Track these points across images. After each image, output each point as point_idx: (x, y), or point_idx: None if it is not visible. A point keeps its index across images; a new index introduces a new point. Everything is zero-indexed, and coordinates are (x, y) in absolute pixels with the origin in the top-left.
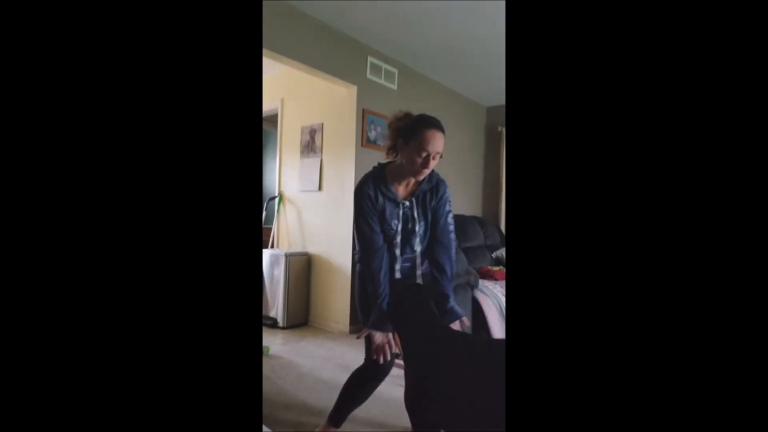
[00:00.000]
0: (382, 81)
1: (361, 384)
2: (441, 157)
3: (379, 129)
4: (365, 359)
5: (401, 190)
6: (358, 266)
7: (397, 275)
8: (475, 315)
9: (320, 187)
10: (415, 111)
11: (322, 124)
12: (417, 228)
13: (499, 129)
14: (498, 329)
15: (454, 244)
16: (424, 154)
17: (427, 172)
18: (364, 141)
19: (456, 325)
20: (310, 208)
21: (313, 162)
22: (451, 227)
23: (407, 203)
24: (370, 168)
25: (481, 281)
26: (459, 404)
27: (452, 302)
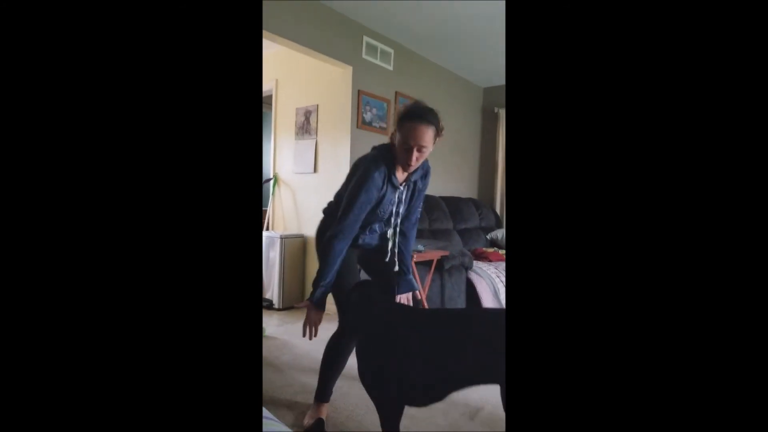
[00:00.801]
0: (377, 61)
1: (337, 352)
2: (429, 147)
3: (374, 110)
4: (339, 324)
5: (399, 175)
6: (320, 233)
7: (364, 241)
8: (469, 296)
9: (315, 169)
10: (411, 92)
11: (317, 105)
12: (401, 210)
13: (496, 110)
14: None
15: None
16: (406, 147)
17: (413, 165)
18: (360, 122)
19: (407, 298)
20: (305, 190)
21: (308, 144)
22: (421, 209)
23: (401, 188)
24: (365, 150)
25: (475, 263)
26: (414, 376)
27: (410, 275)
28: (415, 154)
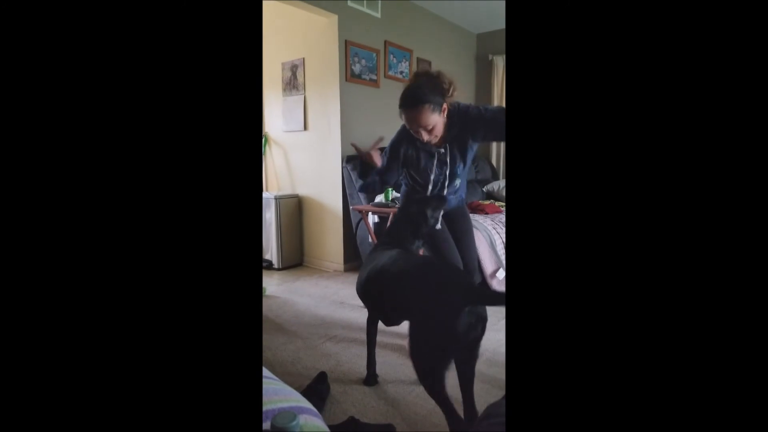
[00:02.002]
0: (364, 8)
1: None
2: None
3: (363, 62)
4: None
5: (434, 140)
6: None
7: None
8: None
9: (306, 127)
10: (401, 41)
11: (303, 58)
12: (457, 170)
13: (490, 57)
14: (489, 262)
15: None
16: (414, 128)
17: (430, 141)
18: (349, 75)
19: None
20: (296, 148)
21: (296, 100)
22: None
23: (442, 150)
24: (356, 105)
25: (472, 215)
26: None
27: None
28: (423, 133)
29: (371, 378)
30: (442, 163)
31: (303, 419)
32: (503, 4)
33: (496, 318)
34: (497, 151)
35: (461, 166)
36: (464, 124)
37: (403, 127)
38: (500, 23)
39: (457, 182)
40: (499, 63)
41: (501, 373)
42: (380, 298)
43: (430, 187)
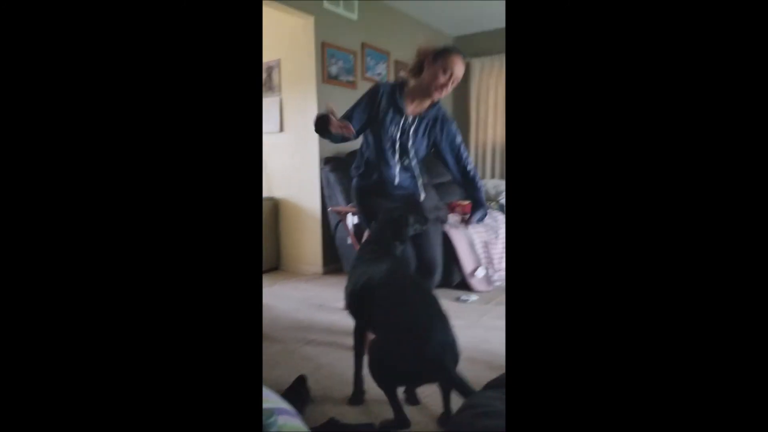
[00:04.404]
0: (340, 10)
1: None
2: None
3: (340, 63)
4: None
5: (410, 107)
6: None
7: (396, 180)
8: (445, 248)
9: (282, 128)
10: (378, 42)
11: (279, 60)
12: (410, 144)
13: (467, 60)
14: (468, 261)
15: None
16: (449, 73)
17: (443, 93)
18: (326, 77)
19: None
20: (272, 151)
21: (272, 102)
22: (465, 155)
23: (410, 118)
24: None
25: (450, 215)
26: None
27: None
28: (450, 85)
29: (358, 395)
30: (402, 131)
31: (282, 420)
32: (480, 7)
33: (477, 314)
34: (475, 150)
35: (423, 149)
36: (442, 122)
37: (395, 81)
38: (477, 26)
39: (413, 162)
40: (476, 65)
41: (483, 370)
42: (372, 311)
43: (387, 145)
